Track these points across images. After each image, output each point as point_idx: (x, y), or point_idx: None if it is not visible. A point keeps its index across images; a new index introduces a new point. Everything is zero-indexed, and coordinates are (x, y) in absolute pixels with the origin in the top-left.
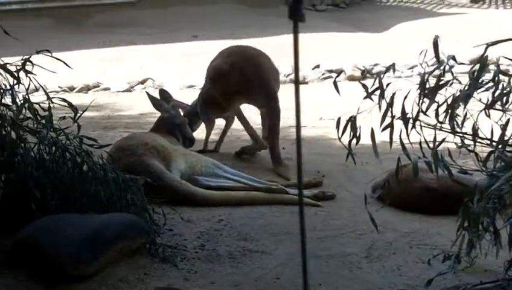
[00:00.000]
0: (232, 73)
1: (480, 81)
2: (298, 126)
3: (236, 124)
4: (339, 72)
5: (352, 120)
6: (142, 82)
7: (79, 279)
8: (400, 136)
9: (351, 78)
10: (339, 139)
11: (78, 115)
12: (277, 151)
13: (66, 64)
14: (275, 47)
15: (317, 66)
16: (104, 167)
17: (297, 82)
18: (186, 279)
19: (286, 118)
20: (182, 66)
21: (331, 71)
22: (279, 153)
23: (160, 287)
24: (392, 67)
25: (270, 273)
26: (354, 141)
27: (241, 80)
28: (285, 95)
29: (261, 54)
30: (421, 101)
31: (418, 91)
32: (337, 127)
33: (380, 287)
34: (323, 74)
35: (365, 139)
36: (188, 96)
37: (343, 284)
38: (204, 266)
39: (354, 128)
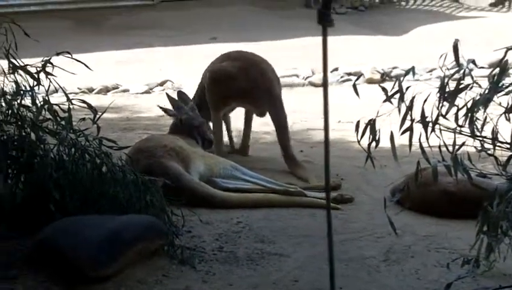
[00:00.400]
0: (239, 77)
1: (500, 85)
2: (326, 128)
3: (254, 127)
4: (358, 75)
5: (371, 123)
6: (161, 84)
7: (97, 280)
8: (419, 139)
9: (370, 81)
10: (358, 142)
11: (98, 116)
12: (291, 153)
13: (86, 66)
14: (294, 49)
15: (336, 69)
16: (123, 168)
17: (325, 86)
18: (204, 281)
19: (304, 121)
20: (200, 68)
21: (349, 74)
22: (293, 155)
23: (179, 289)
24: (411, 70)
25: (288, 276)
26: (373, 144)
27: (248, 85)
28: (303, 97)
29: (262, 60)
30: (440, 104)
31: (438, 95)
32: (357, 130)
33: None
34: (341, 77)
35: (384, 142)
36: None
37: (362, 288)
38: (222, 268)
39: (373, 132)
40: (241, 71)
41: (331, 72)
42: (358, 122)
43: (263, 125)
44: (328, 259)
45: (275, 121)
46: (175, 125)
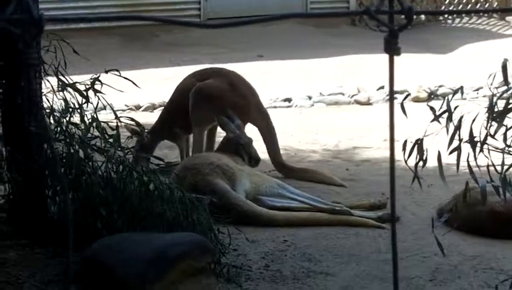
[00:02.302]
0: (231, 93)
1: None
2: (392, 153)
3: (301, 145)
4: (405, 94)
5: (419, 143)
6: None
7: None
8: (467, 159)
9: (416, 100)
10: (405, 161)
11: (145, 134)
12: (282, 161)
13: (134, 83)
14: (340, 67)
15: (382, 87)
16: (170, 186)
17: (392, 114)
18: None
19: (349, 139)
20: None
21: (396, 92)
22: (284, 162)
23: None
24: (460, 90)
25: None
26: (420, 163)
27: (241, 100)
28: (349, 116)
29: (241, 77)
30: (489, 124)
31: (486, 114)
32: (404, 149)
33: None
34: (387, 95)
35: (431, 162)
36: None
37: None
38: (268, 287)
39: (420, 151)
40: (233, 87)
41: (377, 90)
42: (405, 142)
43: (310, 144)
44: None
45: (268, 135)
46: (222, 143)
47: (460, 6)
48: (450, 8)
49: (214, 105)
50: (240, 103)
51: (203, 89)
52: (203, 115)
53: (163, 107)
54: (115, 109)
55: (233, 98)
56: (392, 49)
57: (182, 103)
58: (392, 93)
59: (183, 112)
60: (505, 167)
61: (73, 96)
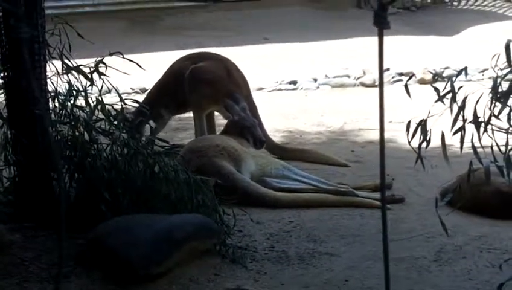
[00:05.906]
0: (227, 81)
1: None
2: (382, 131)
3: (307, 127)
4: (410, 76)
5: (422, 123)
6: None
7: (149, 279)
8: (472, 140)
9: (422, 82)
10: (409, 142)
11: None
12: (276, 143)
13: (139, 66)
14: (345, 50)
15: (387, 69)
16: (175, 168)
17: (381, 88)
18: (255, 280)
19: (355, 121)
20: (253, 69)
21: (401, 74)
22: (277, 143)
23: (230, 288)
24: (464, 70)
25: (339, 275)
26: (424, 144)
27: (235, 89)
28: (354, 98)
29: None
30: (493, 105)
31: (490, 95)
32: (407, 130)
33: None
34: (393, 77)
35: (435, 142)
36: (258, 98)
37: (413, 288)
38: (273, 268)
39: (424, 132)
40: (231, 76)
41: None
42: (409, 123)
43: (316, 126)
44: (384, 263)
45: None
46: (227, 126)
47: None
48: None
49: (212, 89)
50: (233, 91)
51: (200, 73)
52: (202, 99)
53: (151, 88)
54: (120, 92)
55: (228, 85)
56: (380, 22)
57: (173, 85)
58: (381, 69)
59: (173, 94)
60: (509, 147)
61: (77, 80)
